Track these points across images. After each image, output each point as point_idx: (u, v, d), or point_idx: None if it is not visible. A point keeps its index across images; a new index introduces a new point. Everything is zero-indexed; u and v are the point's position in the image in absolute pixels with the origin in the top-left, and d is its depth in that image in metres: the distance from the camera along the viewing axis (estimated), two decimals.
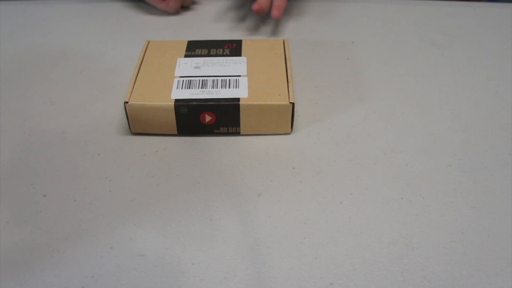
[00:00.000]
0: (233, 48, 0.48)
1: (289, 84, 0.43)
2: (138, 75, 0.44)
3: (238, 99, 0.41)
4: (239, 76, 0.44)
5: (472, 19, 0.61)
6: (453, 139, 0.43)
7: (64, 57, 0.54)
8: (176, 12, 0.62)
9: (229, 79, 0.44)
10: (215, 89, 0.42)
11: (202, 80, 0.43)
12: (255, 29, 0.59)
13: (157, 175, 0.40)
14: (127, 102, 0.41)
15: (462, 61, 0.53)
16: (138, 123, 0.43)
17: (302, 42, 0.56)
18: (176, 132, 0.43)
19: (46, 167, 0.41)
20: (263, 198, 0.38)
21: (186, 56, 0.47)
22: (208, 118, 0.42)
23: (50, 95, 0.49)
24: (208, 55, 0.47)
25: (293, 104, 0.41)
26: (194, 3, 0.65)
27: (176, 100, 0.41)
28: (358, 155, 0.42)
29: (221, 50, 0.48)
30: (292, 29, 0.59)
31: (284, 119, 0.42)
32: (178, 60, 0.46)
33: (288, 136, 0.44)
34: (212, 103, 0.41)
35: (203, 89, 0.42)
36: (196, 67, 0.45)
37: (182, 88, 0.43)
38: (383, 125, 0.45)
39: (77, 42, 0.57)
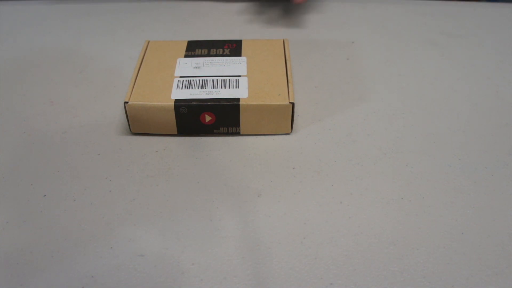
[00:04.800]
0: (233, 48, 0.48)
1: (289, 84, 0.43)
2: (138, 75, 0.44)
3: (238, 99, 0.41)
4: (239, 76, 0.44)
5: (472, 19, 0.61)
6: (453, 139, 0.43)
7: (64, 57, 0.54)
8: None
9: (229, 79, 0.44)
10: (215, 89, 0.42)
11: (202, 80, 0.43)
12: (255, 29, 0.59)
13: (157, 175, 0.40)
14: (127, 102, 0.41)
15: (462, 61, 0.53)
16: (138, 123, 0.43)
17: (302, 42, 0.56)
18: (176, 132, 0.43)
19: (46, 167, 0.41)
20: (263, 198, 0.38)
21: (186, 56, 0.47)
22: (208, 118, 0.42)
23: (50, 95, 0.49)
24: (208, 55, 0.47)
25: (293, 104, 0.41)
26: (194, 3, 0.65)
27: (176, 100, 0.41)
28: (358, 155, 0.42)
29: (221, 50, 0.48)
30: (292, 29, 0.59)
31: (284, 119, 0.42)
32: (178, 60, 0.46)
33: (288, 136, 0.44)
34: (212, 103, 0.41)
35: (203, 89, 0.42)
36: (196, 67, 0.45)
37: (182, 88, 0.43)
38: (383, 125, 0.45)
39: (77, 42, 0.57)
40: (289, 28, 0.59)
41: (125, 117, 0.45)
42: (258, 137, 0.44)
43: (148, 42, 0.49)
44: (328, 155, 0.42)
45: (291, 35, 0.58)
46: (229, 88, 0.43)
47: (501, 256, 0.34)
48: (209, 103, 0.41)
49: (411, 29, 0.59)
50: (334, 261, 0.34)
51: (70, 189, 0.39)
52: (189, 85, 0.43)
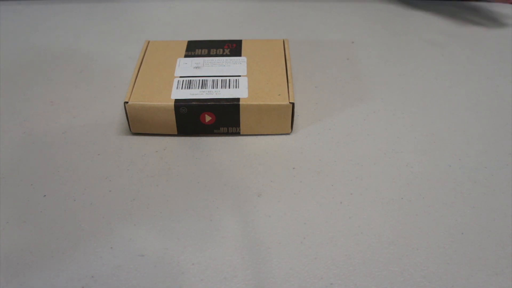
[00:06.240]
0: (233, 48, 0.48)
1: (289, 84, 0.43)
2: (138, 75, 0.44)
3: (238, 99, 0.41)
4: (239, 76, 0.44)
5: (472, 19, 0.61)
6: (453, 139, 0.43)
7: (64, 57, 0.54)
8: None
9: (229, 79, 0.44)
10: (215, 89, 0.42)
11: (202, 80, 0.43)
12: (255, 29, 0.59)
13: (157, 175, 0.40)
14: (127, 102, 0.41)
15: (462, 61, 0.53)
16: (138, 123, 0.43)
17: (302, 42, 0.56)
18: (176, 132, 0.43)
19: (46, 167, 0.41)
20: (263, 198, 0.38)
21: (186, 56, 0.47)
22: (208, 118, 0.42)
23: (50, 95, 0.49)
24: (208, 55, 0.47)
25: (293, 104, 0.41)
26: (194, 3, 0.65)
27: (176, 100, 0.41)
28: (358, 155, 0.42)
29: (221, 50, 0.48)
30: (292, 29, 0.59)
31: (284, 119, 0.42)
32: (178, 60, 0.46)
33: (288, 136, 0.44)
34: (212, 103, 0.41)
35: (203, 89, 0.42)
36: (196, 67, 0.45)
37: (182, 88, 0.43)
38: (383, 125, 0.45)
39: (77, 42, 0.57)
40: (289, 28, 0.59)
41: (125, 117, 0.45)
42: (258, 137, 0.44)
43: (148, 42, 0.49)
44: (328, 155, 0.42)
45: (291, 35, 0.58)
46: (229, 88, 0.43)
47: (501, 256, 0.34)
48: (209, 103, 0.41)
49: (411, 29, 0.59)
50: (334, 261, 0.34)
51: (70, 189, 0.39)
52: (189, 85, 0.43)
